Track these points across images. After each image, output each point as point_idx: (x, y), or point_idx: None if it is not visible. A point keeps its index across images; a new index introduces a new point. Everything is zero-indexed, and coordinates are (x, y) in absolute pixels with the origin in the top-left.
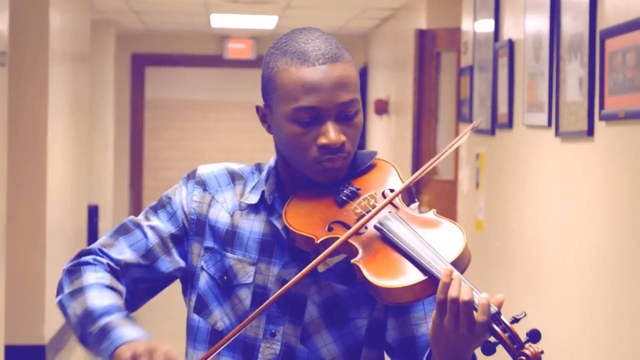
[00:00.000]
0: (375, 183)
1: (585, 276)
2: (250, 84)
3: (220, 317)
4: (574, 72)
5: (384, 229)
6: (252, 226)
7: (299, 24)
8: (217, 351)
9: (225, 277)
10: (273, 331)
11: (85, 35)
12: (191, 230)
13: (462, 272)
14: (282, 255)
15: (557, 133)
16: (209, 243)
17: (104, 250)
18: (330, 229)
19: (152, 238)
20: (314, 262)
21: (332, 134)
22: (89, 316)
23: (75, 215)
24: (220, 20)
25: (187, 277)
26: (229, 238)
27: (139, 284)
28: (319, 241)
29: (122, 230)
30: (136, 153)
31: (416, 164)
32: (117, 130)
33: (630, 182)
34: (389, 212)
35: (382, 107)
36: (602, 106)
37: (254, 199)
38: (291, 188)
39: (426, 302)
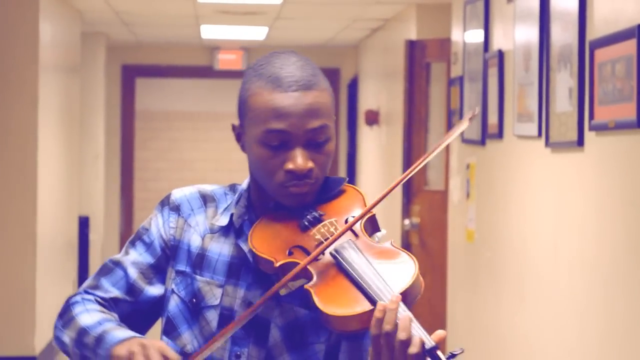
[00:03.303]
0: (341, 210)
1: (576, 287)
2: None
3: (189, 339)
4: (564, 82)
5: (338, 257)
6: (221, 249)
7: (289, 35)
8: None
9: (194, 300)
10: (238, 353)
11: (76, 46)
12: (171, 256)
13: (410, 303)
14: (248, 277)
15: (547, 143)
16: (181, 267)
17: (90, 291)
18: (290, 253)
19: (133, 273)
20: (274, 287)
21: (299, 160)
22: (84, 333)
23: (65, 226)
24: (210, 32)
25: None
26: (198, 261)
27: (132, 317)
28: (277, 265)
29: (104, 271)
30: (127, 164)
31: None
32: (107, 141)
33: (620, 192)
34: (348, 240)
35: (373, 118)
36: (592, 116)
37: (224, 221)
38: (261, 211)
39: None
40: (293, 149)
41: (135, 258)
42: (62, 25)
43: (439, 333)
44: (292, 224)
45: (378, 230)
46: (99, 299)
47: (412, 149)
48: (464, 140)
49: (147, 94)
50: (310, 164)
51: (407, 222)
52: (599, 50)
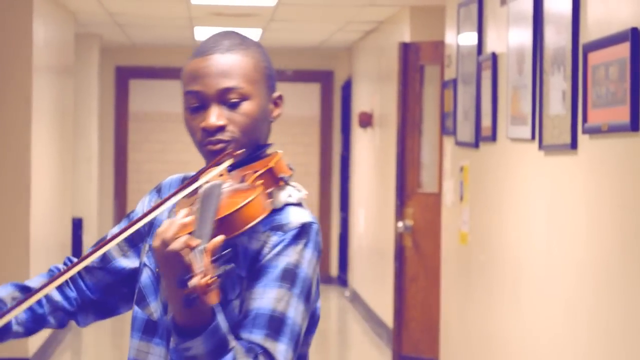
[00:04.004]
0: (247, 168)
1: (568, 289)
2: None
3: (155, 308)
4: (557, 85)
5: (205, 189)
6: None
7: (283, 37)
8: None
9: (157, 269)
10: None
11: (70, 48)
12: (147, 232)
13: (237, 227)
14: None
15: (540, 146)
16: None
17: (71, 258)
18: (192, 205)
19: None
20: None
21: (210, 117)
22: None
23: (59, 228)
24: (204, 33)
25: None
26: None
27: (118, 288)
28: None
29: (97, 241)
30: (120, 165)
31: (400, 177)
32: (101, 142)
33: (613, 195)
34: (227, 183)
35: (366, 120)
36: (585, 119)
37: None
38: None
39: (270, 280)
40: (208, 109)
41: (115, 231)
42: (56, 26)
43: (214, 239)
44: None
45: (277, 183)
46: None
47: (405, 152)
48: (458, 142)
49: (140, 95)
50: (223, 122)
51: (400, 224)
52: (592, 53)
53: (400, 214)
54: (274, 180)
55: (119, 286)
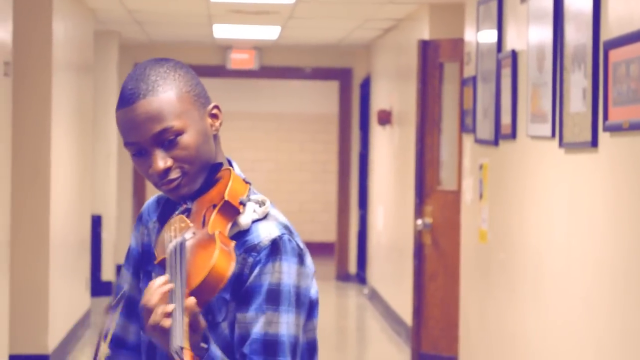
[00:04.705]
0: (205, 202)
1: (589, 287)
2: (252, 94)
3: None
4: (578, 82)
5: (170, 253)
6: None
7: (302, 34)
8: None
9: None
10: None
11: (89, 45)
12: (145, 260)
13: (210, 292)
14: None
15: (560, 144)
16: (149, 267)
17: (110, 334)
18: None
19: (127, 288)
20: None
21: (154, 163)
22: None
23: (78, 225)
24: (222, 31)
25: None
26: (153, 256)
27: None
28: (156, 262)
29: (117, 305)
30: None
31: (420, 174)
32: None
33: (634, 193)
34: (192, 232)
35: (385, 118)
36: (606, 117)
37: (154, 216)
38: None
39: (258, 303)
40: (151, 154)
41: (124, 274)
42: (76, 23)
43: (189, 302)
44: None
45: (237, 212)
46: (114, 341)
47: (424, 149)
48: (477, 140)
49: None
50: (169, 163)
51: (419, 222)
52: (613, 50)
53: (419, 212)
54: (234, 209)
55: None
